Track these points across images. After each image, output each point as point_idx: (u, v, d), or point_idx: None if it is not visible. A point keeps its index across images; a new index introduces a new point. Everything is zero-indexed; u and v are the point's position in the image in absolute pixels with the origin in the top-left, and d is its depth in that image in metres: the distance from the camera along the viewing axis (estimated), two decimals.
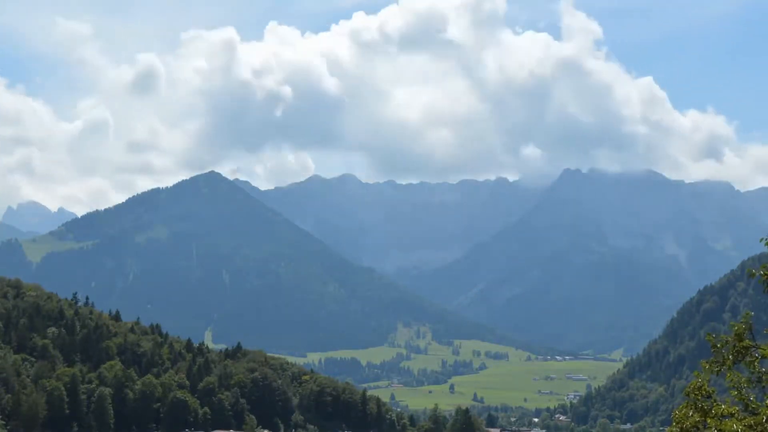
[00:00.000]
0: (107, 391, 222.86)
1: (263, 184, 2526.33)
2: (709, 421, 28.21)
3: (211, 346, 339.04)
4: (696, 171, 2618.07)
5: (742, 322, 28.58)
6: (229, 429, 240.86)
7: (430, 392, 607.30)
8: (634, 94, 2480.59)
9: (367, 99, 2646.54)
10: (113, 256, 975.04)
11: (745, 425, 27.55)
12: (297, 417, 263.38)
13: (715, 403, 28.85)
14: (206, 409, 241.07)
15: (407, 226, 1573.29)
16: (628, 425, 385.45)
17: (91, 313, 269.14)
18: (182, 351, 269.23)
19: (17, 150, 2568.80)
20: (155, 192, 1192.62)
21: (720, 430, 27.78)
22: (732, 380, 28.66)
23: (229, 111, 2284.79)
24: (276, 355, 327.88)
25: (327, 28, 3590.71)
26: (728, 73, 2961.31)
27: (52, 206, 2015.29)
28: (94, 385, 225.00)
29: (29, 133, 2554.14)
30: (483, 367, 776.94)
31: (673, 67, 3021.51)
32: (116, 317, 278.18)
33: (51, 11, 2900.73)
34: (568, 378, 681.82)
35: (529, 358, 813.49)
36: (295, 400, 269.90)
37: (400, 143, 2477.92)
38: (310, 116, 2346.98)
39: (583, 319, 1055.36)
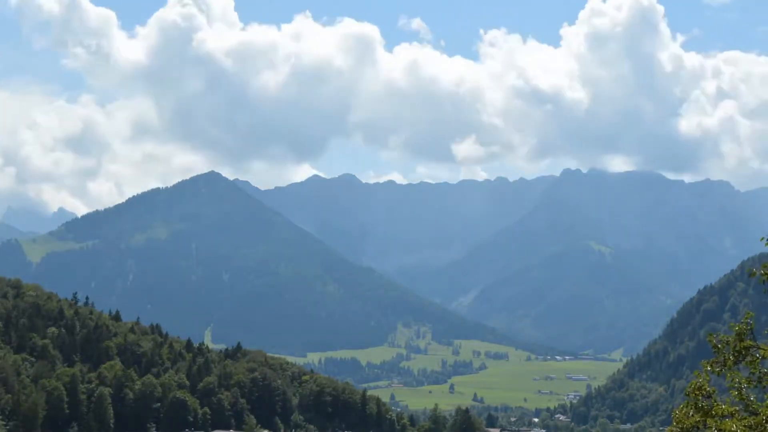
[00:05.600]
0: (107, 391, 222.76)
1: (263, 184, 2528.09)
2: (709, 421, 28.17)
3: (211, 346, 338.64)
4: (696, 171, 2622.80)
5: (743, 322, 28.55)
6: (228, 429, 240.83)
7: (430, 392, 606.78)
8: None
9: None
10: (113, 256, 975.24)
11: (745, 425, 27.50)
12: (297, 417, 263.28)
13: (715, 403, 28.80)
14: (206, 409, 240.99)
15: (407, 226, 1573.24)
16: (628, 425, 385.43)
17: (91, 313, 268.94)
18: (182, 351, 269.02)
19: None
20: (155, 192, 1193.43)
21: (720, 429, 27.73)
22: (732, 380, 28.61)
23: None
24: (276, 355, 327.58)
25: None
26: None
27: (52, 206, 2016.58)
28: (93, 385, 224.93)
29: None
30: (483, 367, 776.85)
31: None
32: (116, 317, 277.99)
33: None
34: (568, 378, 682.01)
35: (529, 358, 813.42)
36: (295, 400, 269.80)
37: None
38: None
39: (583, 319, 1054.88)
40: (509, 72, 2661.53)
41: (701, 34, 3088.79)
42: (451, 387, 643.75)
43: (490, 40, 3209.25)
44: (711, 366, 28.72)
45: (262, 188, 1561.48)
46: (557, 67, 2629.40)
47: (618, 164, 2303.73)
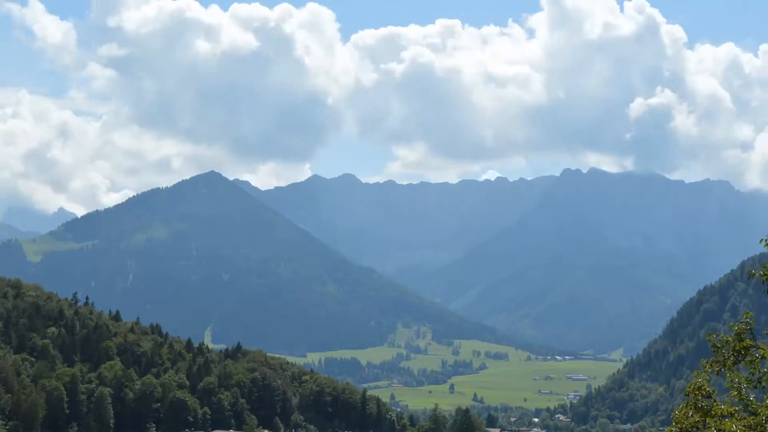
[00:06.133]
0: (107, 391, 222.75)
1: (263, 184, 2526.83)
2: (708, 421, 28.18)
3: (211, 346, 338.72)
4: (696, 171, 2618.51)
5: (742, 322, 28.56)
6: (228, 429, 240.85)
7: (430, 392, 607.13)
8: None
9: None
10: (113, 256, 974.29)
11: (744, 425, 27.52)
12: (297, 417, 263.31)
13: (715, 403, 28.81)
14: (206, 409, 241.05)
15: (407, 226, 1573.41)
16: (628, 425, 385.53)
17: (91, 313, 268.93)
18: (182, 351, 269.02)
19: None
20: (155, 192, 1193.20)
21: (720, 430, 27.74)
22: (732, 380, 28.63)
23: None
24: (276, 355, 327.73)
25: None
26: None
27: (52, 206, 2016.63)
28: (93, 385, 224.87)
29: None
30: (483, 367, 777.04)
31: None
32: (116, 317, 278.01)
33: None
34: (568, 378, 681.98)
35: (529, 358, 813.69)
36: (295, 400, 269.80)
37: None
38: None
39: (583, 319, 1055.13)
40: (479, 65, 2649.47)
41: (686, 20, 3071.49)
42: (451, 387, 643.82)
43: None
44: (710, 366, 28.77)
45: (262, 188, 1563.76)
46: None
47: (595, 160, 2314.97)
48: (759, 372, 28.27)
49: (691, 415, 28.70)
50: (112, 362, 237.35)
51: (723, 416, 28.52)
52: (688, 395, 29.52)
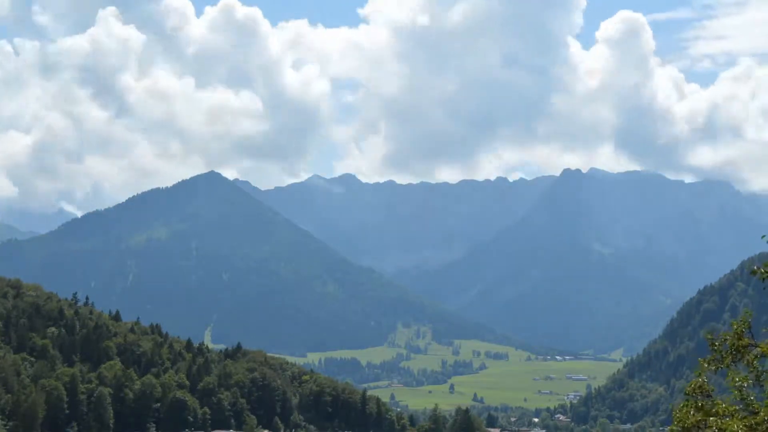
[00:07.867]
0: (107, 390, 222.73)
1: (263, 184, 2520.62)
2: (710, 420, 28.13)
3: (210, 346, 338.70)
4: (696, 170, 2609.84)
5: (741, 320, 28.54)
6: (228, 429, 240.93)
7: (430, 392, 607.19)
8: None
9: None
10: (113, 256, 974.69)
11: (745, 425, 27.47)
12: (297, 417, 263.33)
13: (716, 403, 28.77)
14: (206, 409, 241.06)
15: (407, 226, 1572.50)
16: (628, 425, 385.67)
17: (91, 313, 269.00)
18: (182, 351, 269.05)
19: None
20: (155, 192, 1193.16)
21: (721, 429, 27.70)
22: (733, 379, 28.59)
23: None
24: (276, 355, 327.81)
25: None
26: None
27: (52, 206, 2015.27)
28: (93, 385, 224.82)
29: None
30: (483, 367, 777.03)
31: None
32: (116, 317, 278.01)
33: None
34: (568, 378, 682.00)
35: (529, 358, 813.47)
36: (295, 400, 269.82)
37: None
38: None
39: (583, 319, 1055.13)
40: None
41: None
42: (451, 387, 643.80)
43: None
44: (708, 363, 28.74)
45: (262, 188, 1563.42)
46: None
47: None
48: (757, 370, 28.25)
49: (693, 414, 28.67)
50: (112, 362, 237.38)
51: (724, 415, 28.47)
52: (688, 394, 29.48)
